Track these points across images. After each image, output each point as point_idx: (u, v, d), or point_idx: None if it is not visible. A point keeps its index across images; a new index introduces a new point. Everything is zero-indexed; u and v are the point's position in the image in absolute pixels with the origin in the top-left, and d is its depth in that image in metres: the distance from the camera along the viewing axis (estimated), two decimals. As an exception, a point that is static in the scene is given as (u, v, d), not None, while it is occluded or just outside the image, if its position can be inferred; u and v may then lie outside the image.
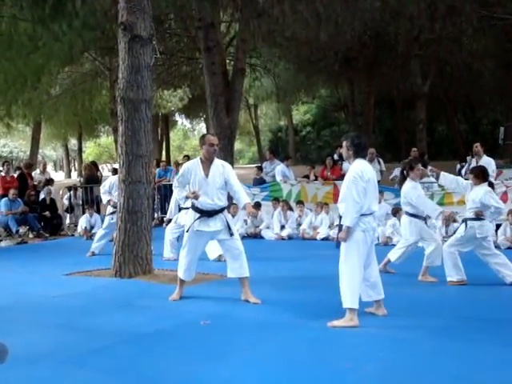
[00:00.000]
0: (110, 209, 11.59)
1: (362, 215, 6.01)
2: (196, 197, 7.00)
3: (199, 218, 7.13)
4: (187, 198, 7.30)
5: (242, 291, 7.30)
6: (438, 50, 22.67)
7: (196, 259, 7.45)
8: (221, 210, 7.21)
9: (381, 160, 16.22)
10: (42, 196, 16.64)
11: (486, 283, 8.00)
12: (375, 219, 6.24)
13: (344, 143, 6.30)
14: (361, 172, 6.01)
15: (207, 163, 7.17)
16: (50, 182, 17.65)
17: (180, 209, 10.93)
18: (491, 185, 8.40)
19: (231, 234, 7.23)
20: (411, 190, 8.58)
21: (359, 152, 6.21)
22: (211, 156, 7.17)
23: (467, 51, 22.72)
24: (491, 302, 7.14)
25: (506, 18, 19.77)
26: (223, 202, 7.26)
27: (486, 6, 19.65)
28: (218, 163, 7.21)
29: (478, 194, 8.00)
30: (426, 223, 8.91)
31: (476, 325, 5.99)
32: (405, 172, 8.82)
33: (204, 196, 7.05)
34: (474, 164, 12.67)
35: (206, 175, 7.10)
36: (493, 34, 22.54)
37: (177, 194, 7.56)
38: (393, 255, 8.88)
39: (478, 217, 7.96)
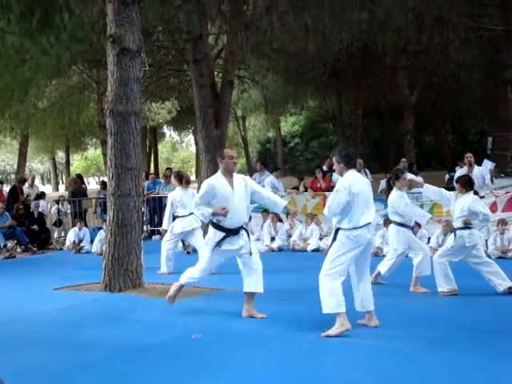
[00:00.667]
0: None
1: (352, 229, 6.05)
2: (226, 213, 6.78)
3: (225, 237, 6.93)
4: (214, 214, 6.90)
5: (244, 307, 7.11)
6: (426, 61, 22.78)
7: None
8: (243, 226, 7.08)
9: (367, 171, 16.32)
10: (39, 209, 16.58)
11: (477, 293, 7.99)
12: (370, 231, 6.18)
13: (334, 158, 6.37)
14: (348, 184, 6.05)
15: (229, 178, 6.99)
16: (41, 195, 17.58)
17: (174, 218, 10.91)
18: (476, 194, 8.45)
19: (250, 253, 7.06)
20: (398, 199, 8.60)
21: (349, 162, 6.23)
22: (232, 169, 7.05)
23: (454, 62, 22.87)
24: (484, 311, 7.13)
25: (493, 29, 19.94)
26: (247, 218, 7.25)
27: (473, 16, 19.81)
28: (238, 177, 7.14)
29: (466, 202, 8.03)
30: (413, 233, 8.92)
31: (469, 335, 5.98)
32: (391, 182, 8.85)
33: (231, 212, 6.82)
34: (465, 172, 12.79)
35: (232, 189, 6.92)
36: (479, 45, 22.73)
37: (200, 212, 7.10)
38: (383, 267, 8.84)
39: (467, 225, 7.97)
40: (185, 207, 10.87)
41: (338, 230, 6.17)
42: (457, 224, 8.09)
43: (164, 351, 5.75)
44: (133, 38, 9.01)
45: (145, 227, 17.55)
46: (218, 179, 7.01)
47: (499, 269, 8.02)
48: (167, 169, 20.55)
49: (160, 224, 17.68)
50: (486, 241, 12.19)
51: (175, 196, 11.15)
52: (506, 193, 13.44)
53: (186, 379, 4.86)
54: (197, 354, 5.58)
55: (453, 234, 8.14)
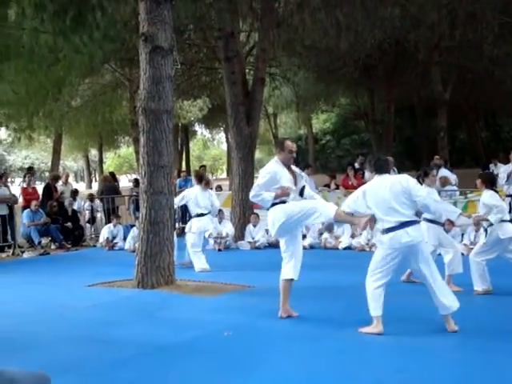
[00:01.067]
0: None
1: (386, 231, 6.09)
2: (287, 194, 6.66)
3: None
4: (276, 197, 6.71)
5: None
6: (459, 57, 22.51)
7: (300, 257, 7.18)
8: None
9: (395, 169, 16.25)
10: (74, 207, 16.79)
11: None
12: (409, 235, 6.03)
13: (366, 171, 6.65)
14: (371, 185, 6.32)
15: (286, 167, 6.90)
16: (75, 193, 17.78)
17: (191, 216, 10.96)
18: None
19: None
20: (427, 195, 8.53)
21: (379, 169, 6.38)
22: (289, 162, 6.92)
23: (488, 58, 22.52)
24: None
25: (528, 25, 19.61)
26: None
27: (507, 12, 19.49)
28: (296, 169, 7.07)
29: (484, 198, 8.04)
30: (446, 230, 8.84)
31: (502, 335, 5.89)
32: (420, 179, 8.81)
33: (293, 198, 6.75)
34: (510, 170, 12.72)
35: (293, 178, 6.86)
36: (514, 41, 22.36)
37: (261, 198, 6.88)
38: None
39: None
40: (199, 206, 11.04)
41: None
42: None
43: (195, 348, 5.77)
44: (165, 36, 9.05)
45: (176, 224, 17.65)
46: (277, 166, 6.86)
47: None
48: (201, 166, 20.61)
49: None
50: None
51: (190, 193, 11.32)
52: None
53: (216, 377, 4.87)
54: (228, 352, 5.59)
55: (484, 231, 8.08)
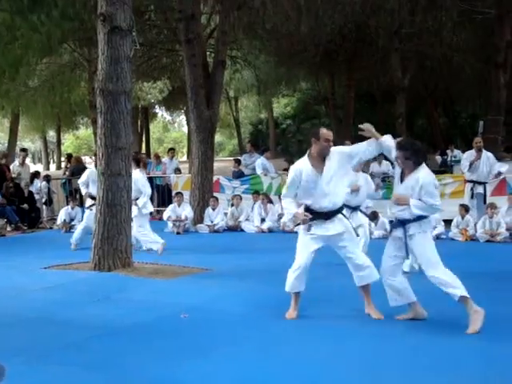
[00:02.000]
0: (88, 201, 11.50)
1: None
2: (305, 221, 6.15)
3: (313, 219, 6.16)
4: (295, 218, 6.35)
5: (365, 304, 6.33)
6: (419, 43, 22.67)
7: (307, 268, 6.29)
8: (339, 210, 6.28)
9: None
10: (31, 189, 16.52)
11: None
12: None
13: (399, 152, 5.87)
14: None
15: (319, 160, 6.19)
16: (36, 175, 17.55)
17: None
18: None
19: (357, 235, 6.48)
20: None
21: (419, 161, 5.86)
22: (326, 153, 6.16)
23: (447, 45, 22.78)
24: None
25: (486, 12, 19.84)
26: (341, 201, 6.31)
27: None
28: (333, 151, 6.23)
29: None
30: None
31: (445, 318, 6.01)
32: None
33: (318, 197, 6.13)
34: (472, 158, 12.82)
35: (320, 172, 6.12)
36: (473, 28, 22.65)
37: (285, 207, 6.51)
38: None
39: None
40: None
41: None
42: None
43: (151, 331, 5.77)
44: (124, 17, 8.94)
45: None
46: (303, 163, 6.27)
47: None
48: (170, 149, 20.52)
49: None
50: (475, 224, 12.28)
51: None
52: (496, 177, 13.48)
53: (173, 359, 4.88)
54: (184, 334, 5.61)
55: None
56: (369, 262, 6.23)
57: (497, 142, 19.88)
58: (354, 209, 9.09)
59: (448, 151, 18.48)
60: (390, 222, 8.27)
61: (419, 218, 5.76)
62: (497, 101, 20.01)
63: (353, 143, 6.71)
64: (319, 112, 39.10)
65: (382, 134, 6.28)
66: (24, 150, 18.63)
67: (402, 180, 5.93)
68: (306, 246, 6.25)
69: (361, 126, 6.20)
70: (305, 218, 6.10)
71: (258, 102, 39.09)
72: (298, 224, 6.30)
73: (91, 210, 10.91)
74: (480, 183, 12.87)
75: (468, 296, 5.52)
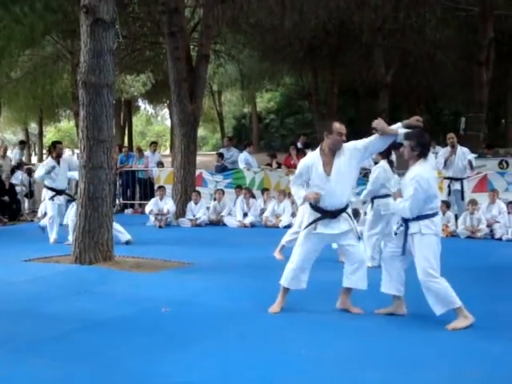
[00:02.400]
0: (49, 193, 11.48)
1: (430, 216, 5.74)
2: (317, 199, 6.05)
3: (319, 219, 6.10)
4: (305, 199, 6.24)
5: (340, 299, 6.31)
6: (402, 40, 22.75)
7: (308, 266, 6.21)
8: (345, 209, 6.16)
9: None
10: (13, 181, 16.39)
11: None
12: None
13: (406, 142, 5.84)
14: (426, 178, 5.72)
15: (330, 155, 6.07)
16: (19, 166, 17.43)
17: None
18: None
19: (359, 238, 6.26)
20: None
21: (424, 152, 5.83)
22: (338, 147, 6.05)
23: (430, 42, 22.88)
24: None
25: (469, 10, 19.98)
26: (348, 199, 6.22)
27: (450, -4, 19.85)
28: (345, 148, 6.12)
29: None
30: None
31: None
32: None
33: (327, 195, 6.04)
34: (447, 154, 12.86)
35: (329, 170, 6.03)
36: (456, 26, 22.77)
37: (294, 193, 6.51)
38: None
39: None
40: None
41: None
42: None
43: (133, 324, 5.76)
44: (107, 9, 8.88)
45: (117, 201, 17.51)
46: (313, 158, 6.16)
47: None
48: (152, 143, 20.49)
49: (133, 198, 17.73)
50: (456, 220, 12.39)
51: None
52: (477, 173, 13.58)
53: (154, 352, 4.88)
54: (166, 328, 5.61)
55: None
56: (365, 268, 6.17)
57: (478, 138, 20.04)
58: None
59: (430, 148, 18.56)
60: None
61: (418, 218, 5.70)
62: (479, 98, 20.18)
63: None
64: (302, 107, 39.15)
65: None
66: (23, 142, 18.61)
67: None
68: (306, 246, 6.17)
69: (373, 124, 6.14)
70: (316, 196, 6.03)
71: (242, 97, 39.00)
72: (311, 223, 6.14)
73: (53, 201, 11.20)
74: (457, 179, 12.91)
75: (458, 306, 5.56)
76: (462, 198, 12.75)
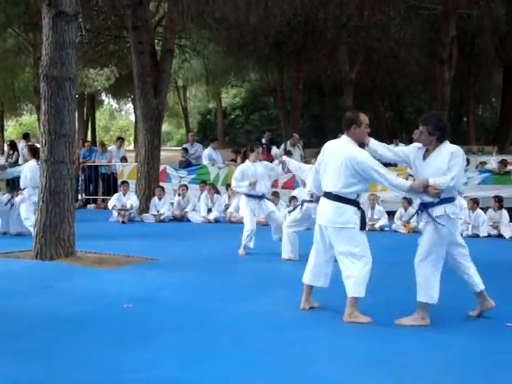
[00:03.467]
0: None
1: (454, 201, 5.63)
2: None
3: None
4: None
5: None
6: (366, 37, 22.96)
7: (323, 261, 5.94)
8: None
9: (300, 145, 16.62)
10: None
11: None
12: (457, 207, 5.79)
13: (423, 127, 5.57)
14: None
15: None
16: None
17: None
18: None
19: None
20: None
21: (443, 136, 5.56)
22: (364, 139, 5.92)
23: (394, 40, 23.12)
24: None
25: (433, 8, 20.20)
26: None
27: (414, -5, 20.05)
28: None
29: None
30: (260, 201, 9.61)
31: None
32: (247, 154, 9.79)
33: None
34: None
35: None
36: (419, 24, 23.03)
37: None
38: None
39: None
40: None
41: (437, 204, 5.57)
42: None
43: (94, 320, 5.70)
44: (69, 2, 8.77)
45: (80, 196, 17.34)
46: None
47: None
48: (119, 138, 20.35)
49: (96, 193, 17.57)
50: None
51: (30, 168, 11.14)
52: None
53: (115, 347, 4.83)
54: (127, 323, 5.55)
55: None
56: (330, 269, 5.97)
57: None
58: (261, 197, 9.59)
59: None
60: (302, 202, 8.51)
61: (442, 202, 5.51)
62: (441, 96, 20.42)
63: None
64: (268, 103, 39.21)
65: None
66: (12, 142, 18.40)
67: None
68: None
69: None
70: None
71: (207, 92, 38.93)
72: None
73: None
74: None
75: (430, 303, 5.55)
76: None
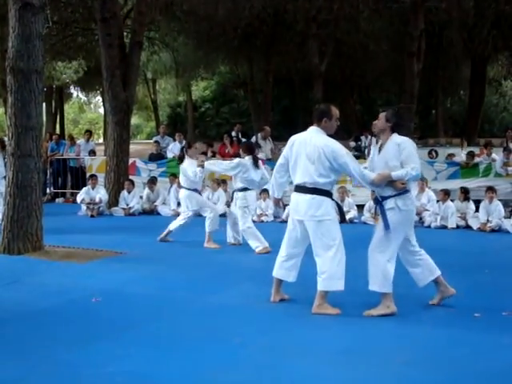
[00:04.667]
0: None
1: (408, 194, 5.72)
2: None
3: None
4: None
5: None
6: (336, 30, 23.02)
7: (294, 255, 5.97)
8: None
9: (270, 138, 16.66)
10: None
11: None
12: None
13: (383, 114, 5.80)
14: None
15: None
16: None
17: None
18: None
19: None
20: (189, 167, 9.53)
21: (397, 128, 5.78)
22: (332, 133, 5.98)
23: (363, 32, 23.22)
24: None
25: (401, 1, 20.32)
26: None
27: (382, -12, 20.16)
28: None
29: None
30: (200, 194, 10.05)
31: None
32: (184, 150, 9.87)
33: None
34: (374, 143, 12.94)
35: None
36: (388, 17, 23.16)
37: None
38: (173, 225, 9.87)
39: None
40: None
41: (388, 198, 5.68)
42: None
43: (62, 314, 5.67)
44: (36, -7, 8.68)
45: (48, 190, 17.18)
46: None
47: None
48: (86, 131, 20.21)
49: (64, 186, 17.41)
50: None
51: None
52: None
53: (83, 342, 4.81)
54: (96, 318, 5.53)
55: None
56: (299, 263, 5.99)
57: (410, 129, 20.44)
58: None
59: (362, 137, 18.85)
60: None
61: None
62: (410, 89, 20.58)
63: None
64: (238, 96, 39.20)
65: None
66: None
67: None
68: None
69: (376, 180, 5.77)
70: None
71: (177, 85, 38.79)
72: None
73: None
74: None
75: (388, 292, 5.61)
76: None
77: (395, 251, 5.68)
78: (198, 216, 10.05)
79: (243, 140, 15.31)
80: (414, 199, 6.02)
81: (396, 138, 5.70)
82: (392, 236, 5.59)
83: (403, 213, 5.63)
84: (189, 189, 9.69)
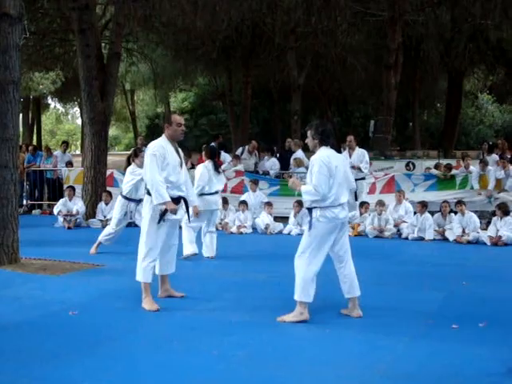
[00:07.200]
0: None
1: (329, 207, 5.71)
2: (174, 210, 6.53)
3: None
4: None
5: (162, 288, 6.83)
6: (314, 43, 23.15)
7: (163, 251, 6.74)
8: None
9: (256, 153, 16.76)
10: None
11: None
12: (344, 209, 5.86)
13: (308, 132, 5.90)
14: (328, 158, 5.69)
15: (174, 145, 6.64)
16: None
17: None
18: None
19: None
20: (129, 175, 9.65)
21: (325, 140, 5.83)
22: (179, 138, 6.64)
23: (341, 45, 23.38)
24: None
25: (379, 15, 20.51)
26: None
27: (360, 1, 20.30)
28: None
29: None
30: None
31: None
32: (131, 159, 9.81)
33: (180, 182, 6.63)
34: (347, 156, 12.90)
35: (180, 159, 6.69)
36: (366, 30, 23.37)
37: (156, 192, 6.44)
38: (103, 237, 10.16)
39: None
40: None
41: (312, 208, 5.77)
42: None
43: (38, 328, 5.59)
44: (13, 3, 8.63)
45: (24, 201, 17.03)
46: (165, 144, 6.49)
47: None
48: (63, 142, 20.11)
49: (41, 198, 17.26)
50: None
51: None
52: (385, 175, 13.94)
53: (59, 356, 4.75)
54: (72, 331, 5.46)
55: None
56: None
57: (387, 141, 20.60)
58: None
59: (341, 149, 18.95)
60: None
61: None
62: (387, 101, 20.74)
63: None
64: (216, 108, 39.26)
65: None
66: None
67: None
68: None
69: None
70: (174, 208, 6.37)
71: (155, 96, 38.74)
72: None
73: None
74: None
75: (307, 301, 5.72)
76: (356, 199, 12.80)
77: (315, 261, 5.73)
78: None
79: (222, 152, 15.30)
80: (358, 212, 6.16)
81: (317, 152, 5.83)
82: (312, 245, 5.73)
83: (321, 224, 5.72)
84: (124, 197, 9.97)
